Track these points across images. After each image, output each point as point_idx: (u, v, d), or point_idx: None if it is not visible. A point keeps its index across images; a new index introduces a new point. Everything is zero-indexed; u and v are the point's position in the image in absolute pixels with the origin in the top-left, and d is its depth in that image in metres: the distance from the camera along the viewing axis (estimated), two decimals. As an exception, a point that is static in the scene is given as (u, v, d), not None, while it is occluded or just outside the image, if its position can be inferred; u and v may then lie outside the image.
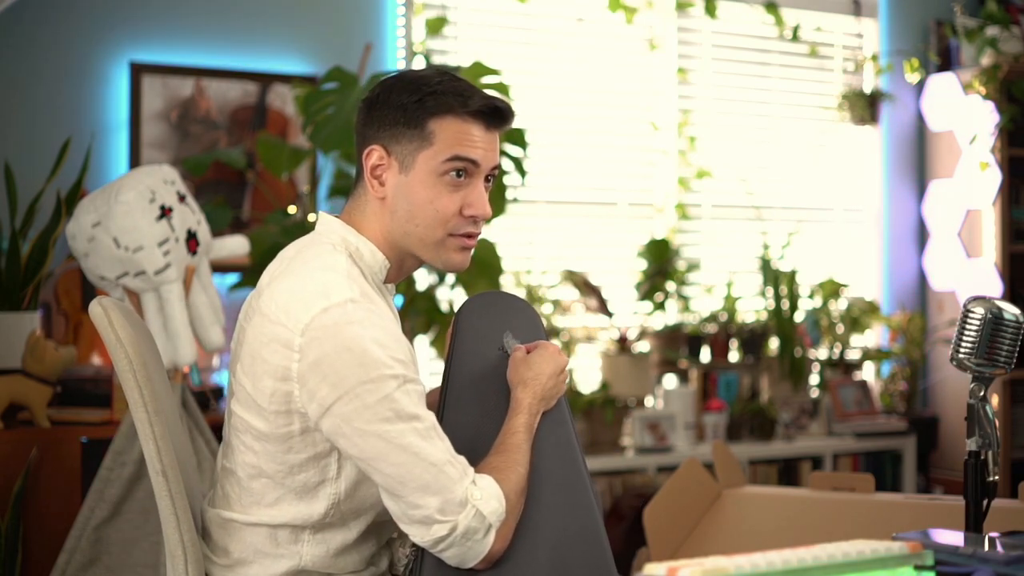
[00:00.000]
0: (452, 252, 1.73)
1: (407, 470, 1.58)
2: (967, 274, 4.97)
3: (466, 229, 1.72)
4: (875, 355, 4.90)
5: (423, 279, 3.97)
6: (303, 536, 1.71)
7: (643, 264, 4.54)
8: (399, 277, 1.79)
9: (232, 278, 3.80)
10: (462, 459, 1.63)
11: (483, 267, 3.85)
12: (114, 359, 1.73)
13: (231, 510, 1.73)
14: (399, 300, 3.85)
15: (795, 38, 4.94)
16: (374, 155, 1.71)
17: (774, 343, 4.68)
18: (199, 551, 1.73)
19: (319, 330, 1.59)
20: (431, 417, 1.62)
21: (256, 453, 1.68)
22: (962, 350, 1.71)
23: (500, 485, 1.64)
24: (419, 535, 1.61)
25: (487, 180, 1.74)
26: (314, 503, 1.69)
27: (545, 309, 4.31)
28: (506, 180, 3.82)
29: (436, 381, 4.31)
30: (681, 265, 4.61)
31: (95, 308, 1.74)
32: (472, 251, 1.76)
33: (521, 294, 4.28)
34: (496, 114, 1.71)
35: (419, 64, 4.20)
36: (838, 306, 4.86)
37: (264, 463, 1.68)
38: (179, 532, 1.70)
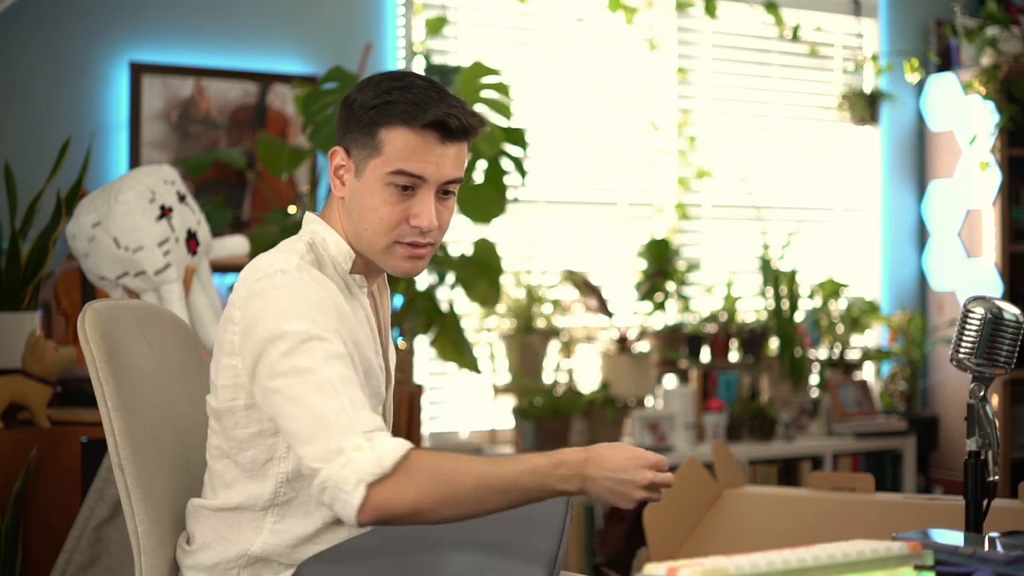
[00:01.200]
0: (398, 260, 1.72)
1: (296, 423, 1.55)
2: (967, 274, 4.97)
3: (412, 238, 1.70)
4: (875, 355, 4.90)
5: (423, 279, 3.97)
6: (264, 524, 1.71)
7: (643, 264, 4.54)
8: (370, 273, 1.78)
9: (232, 278, 3.81)
10: (367, 417, 1.55)
11: (483, 267, 3.85)
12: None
13: (202, 496, 1.77)
14: (399, 300, 3.85)
15: (795, 38, 4.94)
16: (337, 156, 1.73)
17: (774, 343, 4.68)
18: (153, 541, 1.75)
19: (250, 299, 1.63)
20: (335, 372, 1.57)
21: (216, 433, 1.73)
22: (962, 350, 1.71)
23: (415, 458, 1.53)
24: (311, 489, 1.59)
25: (445, 193, 1.72)
26: (265, 481, 1.70)
27: (545, 309, 4.32)
28: (506, 180, 3.82)
29: (437, 381, 4.30)
30: (681, 265, 4.61)
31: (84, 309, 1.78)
32: (425, 259, 1.74)
33: (521, 294, 4.28)
34: (447, 130, 1.67)
35: (419, 64, 4.20)
36: (838, 306, 4.86)
37: (221, 441, 1.72)
38: (134, 522, 1.75)
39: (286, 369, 1.57)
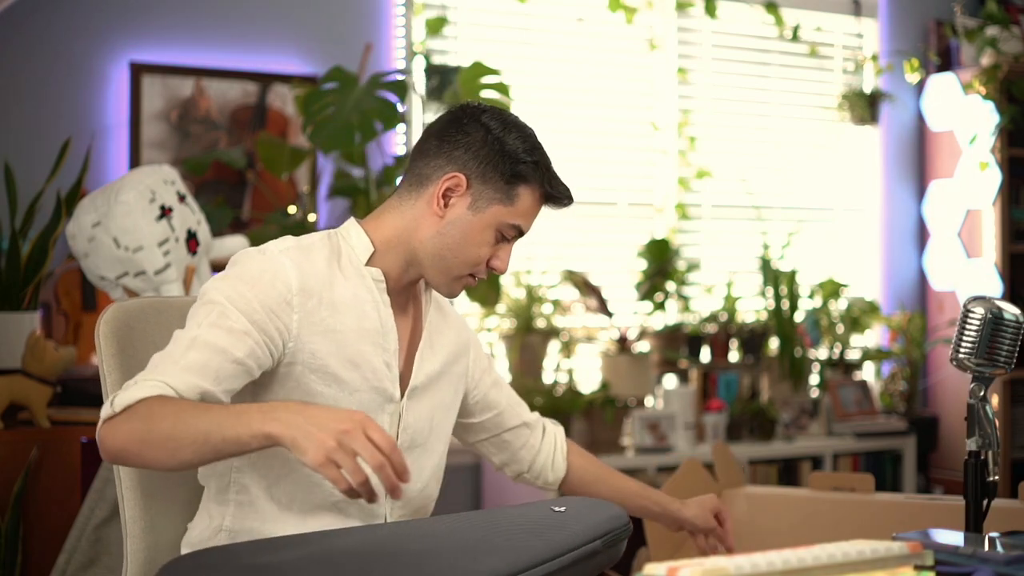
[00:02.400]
0: (458, 287, 1.82)
1: None
2: (967, 274, 4.97)
3: (482, 275, 1.81)
4: (875, 355, 4.90)
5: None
6: (228, 498, 1.74)
7: (643, 264, 4.54)
8: (397, 275, 1.81)
9: (232, 278, 3.80)
10: (179, 375, 1.57)
11: (483, 267, 3.84)
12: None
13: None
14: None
15: (795, 38, 4.94)
16: (454, 181, 1.77)
17: (774, 343, 4.68)
18: (139, 528, 1.79)
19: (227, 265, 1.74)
20: (206, 334, 1.61)
21: None
22: (962, 350, 1.71)
23: (147, 400, 1.53)
24: None
25: None
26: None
27: (545, 309, 4.32)
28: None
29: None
30: (681, 265, 4.61)
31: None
32: None
33: (521, 294, 4.28)
34: (561, 206, 1.84)
35: (419, 64, 4.20)
36: (838, 306, 4.86)
37: None
38: (123, 506, 1.80)
39: (190, 312, 1.67)
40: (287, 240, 1.78)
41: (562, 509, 1.77)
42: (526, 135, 1.83)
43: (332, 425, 1.43)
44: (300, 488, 1.71)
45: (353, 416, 1.44)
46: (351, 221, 1.82)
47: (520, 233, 1.81)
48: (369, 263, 1.78)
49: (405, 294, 1.84)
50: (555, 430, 2.12)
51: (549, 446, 2.10)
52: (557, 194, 1.82)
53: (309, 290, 1.70)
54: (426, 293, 1.89)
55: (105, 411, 1.56)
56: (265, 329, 1.65)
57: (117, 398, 1.55)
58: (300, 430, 1.43)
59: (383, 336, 1.77)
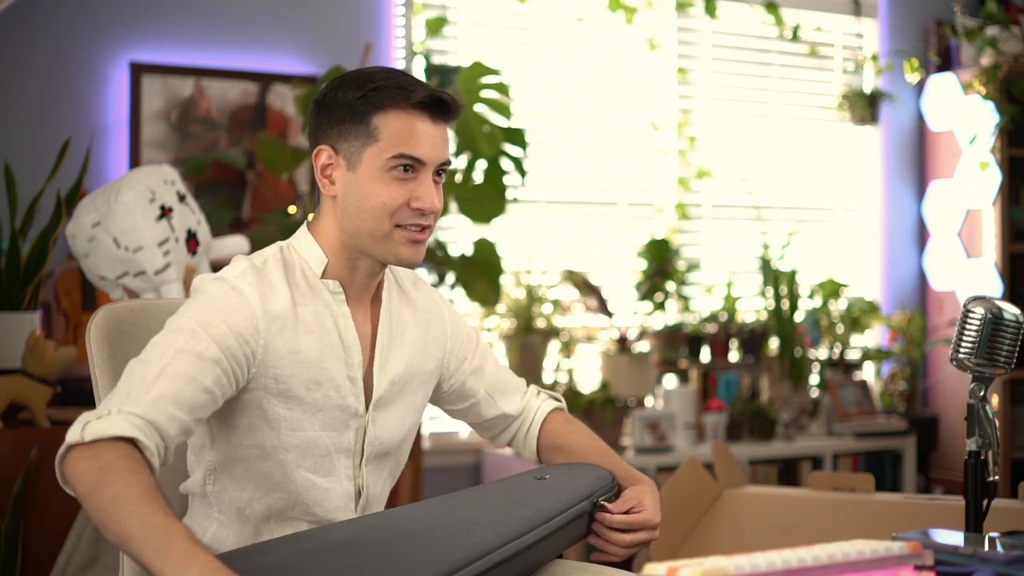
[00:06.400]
0: (400, 246, 1.70)
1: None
2: (967, 274, 4.97)
3: (414, 221, 1.69)
4: (875, 355, 4.90)
5: (423, 279, 3.97)
6: (212, 513, 1.73)
7: (643, 264, 4.54)
8: (353, 277, 1.75)
9: (232, 278, 3.80)
10: (148, 405, 1.50)
11: (483, 267, 3.85)
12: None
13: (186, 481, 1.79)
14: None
15: (795, 38, 4.94)
16: (323, 155, 1.71)
17: (774, 343, 4.68)
18: None
19: (191, 293, 1.70)
20: (173, 360, 1.55)
21: None
22: (962, 350, 1.71)
23: (113, 447, 1.44)
24: None
25: (439, 174, 1.72)
26: (199, 468, 1.72)
27: (545, 309, 4.32)
28: (506, 180, 3.82)
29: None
30: (681, 265, 4.61)
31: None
32: (424, 245, 1.73)
33: (521, 294, 4.28)
34: (440, 106, 1.69)
35: (419, 64, 4.21)
36: (838, 306, 4.86)
37: None
38: None
39: (154, 340, 1.60)
40: (240, 263, 1.69)
41: (546, 477, 1.77)
42: (361, 75, 1.71)
43: None
44: (278, 504, 1.70)
45: None
46: (303, 230, 1.75)
47: (416, 160, 1.67)
48: (325, 274, 1.72)
49: (367, 297, 1.78)
50: (538, 410, 2.02)
51: (532, 436, 2.01)
52: (420, 97, 1.66)
53: (273, 313, 1.65)
54: (387, 288, 1.82)
55: (73, 435, 1.45)
56: (235, 355, 1.60)
57: (89, 426, 1.45)
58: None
59: (345, 351, 1.71)
